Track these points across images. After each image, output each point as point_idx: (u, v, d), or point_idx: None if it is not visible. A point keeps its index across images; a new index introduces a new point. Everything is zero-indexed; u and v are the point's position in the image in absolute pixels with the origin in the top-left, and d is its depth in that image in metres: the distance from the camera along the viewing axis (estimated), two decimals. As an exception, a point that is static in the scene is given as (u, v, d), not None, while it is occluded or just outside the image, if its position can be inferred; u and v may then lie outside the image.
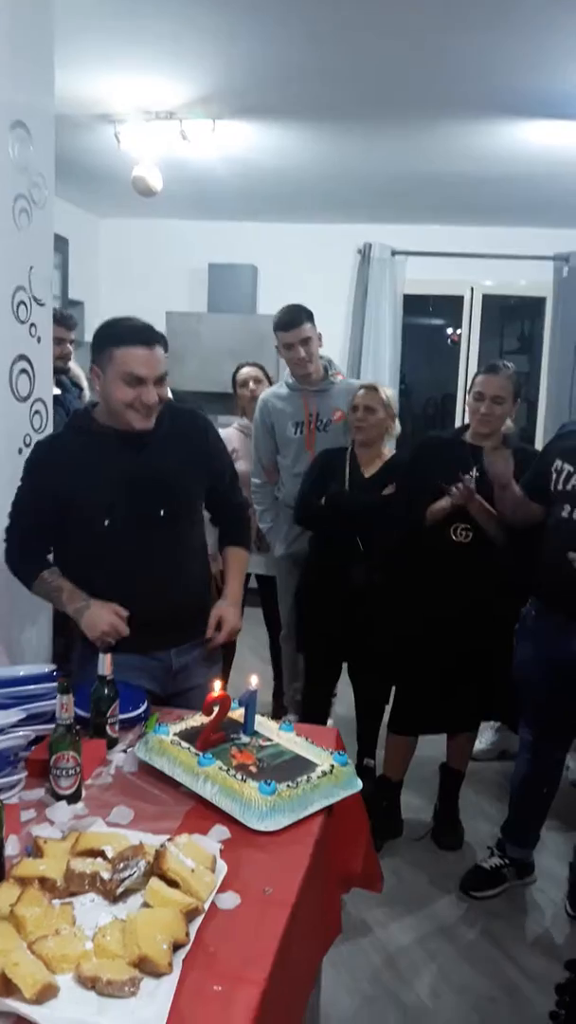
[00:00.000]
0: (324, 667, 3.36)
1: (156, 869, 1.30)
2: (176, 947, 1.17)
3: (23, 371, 2.61)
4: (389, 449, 3.30)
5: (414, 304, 6.70)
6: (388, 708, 3.17)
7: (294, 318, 3.44)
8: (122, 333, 2.01)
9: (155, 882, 1.27)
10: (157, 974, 1.13)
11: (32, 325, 2.65)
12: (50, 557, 2.23)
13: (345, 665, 3.35)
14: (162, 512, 2.11)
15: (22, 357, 2.60)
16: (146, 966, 1.13)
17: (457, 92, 3.68)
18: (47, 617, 2.90)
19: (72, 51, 3.27)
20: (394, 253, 6.45)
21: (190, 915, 1.23)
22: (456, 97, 3.73)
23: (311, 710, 3.42)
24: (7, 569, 2.25)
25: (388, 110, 3.99)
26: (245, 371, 3.94)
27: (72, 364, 3.79)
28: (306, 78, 3.65)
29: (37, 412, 2.73)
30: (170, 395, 3.83)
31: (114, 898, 1.29)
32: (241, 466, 3.61)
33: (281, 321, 3.48)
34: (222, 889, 1.34)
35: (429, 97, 3.77)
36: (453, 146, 4.41)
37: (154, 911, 1.22)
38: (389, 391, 3.22)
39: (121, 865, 1.31)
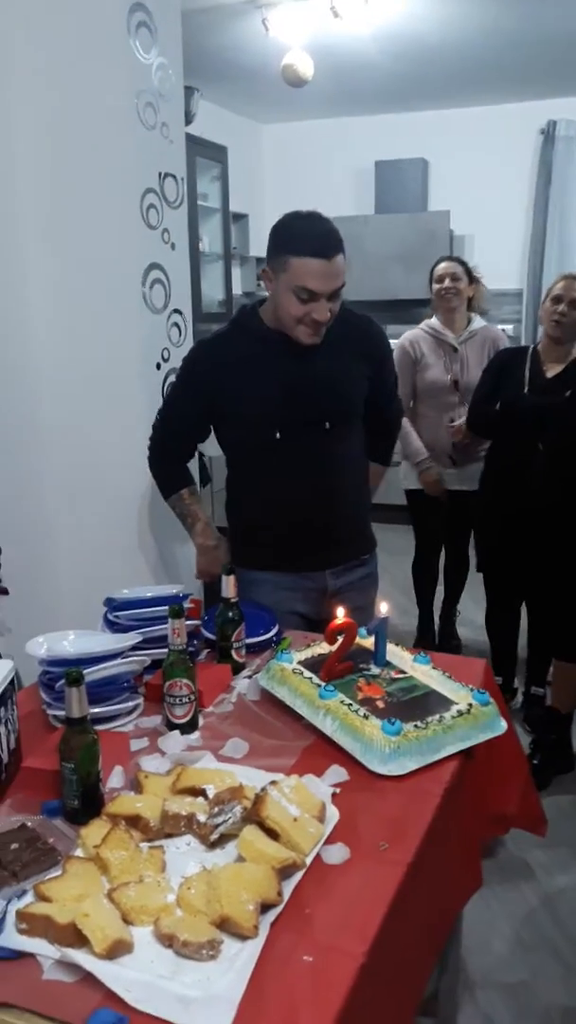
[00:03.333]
0: (506, 584, 3.16)
1: (253, 816, 1.17)
2: (268, 907, 1.04)
3: (157, 281, 2.49)
4: None
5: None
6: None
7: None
8: (299, 240, 1.81)
9: (250, 831, 1.14)
10: (241, 936, 1.00)
11: (165, 231, 2.51)
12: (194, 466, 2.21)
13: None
14: (328, 424, 1.98)
15: (155, 266, 2.47)
16: (228, 927, 1.01)
17: None
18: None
19: None
20: (583, 129, 5.76)
21: (286, 871, 1.10)
22: None
23: (496, 630, 3.27)
24: (158, 500, 2.21)
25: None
26: (443, 266, 3.46)
27: None
28: None
29: (175, 325, 2.61)
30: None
31: (211, 843, 1.18)
32: (432, 374, 3.35)
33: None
34: (330, 840, 1.19)
35: None
36: None
37: (242, 866, 1.09)
38: None
39: (216, 809, 1.19)
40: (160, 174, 2.45)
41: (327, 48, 4.34)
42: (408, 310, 6.32)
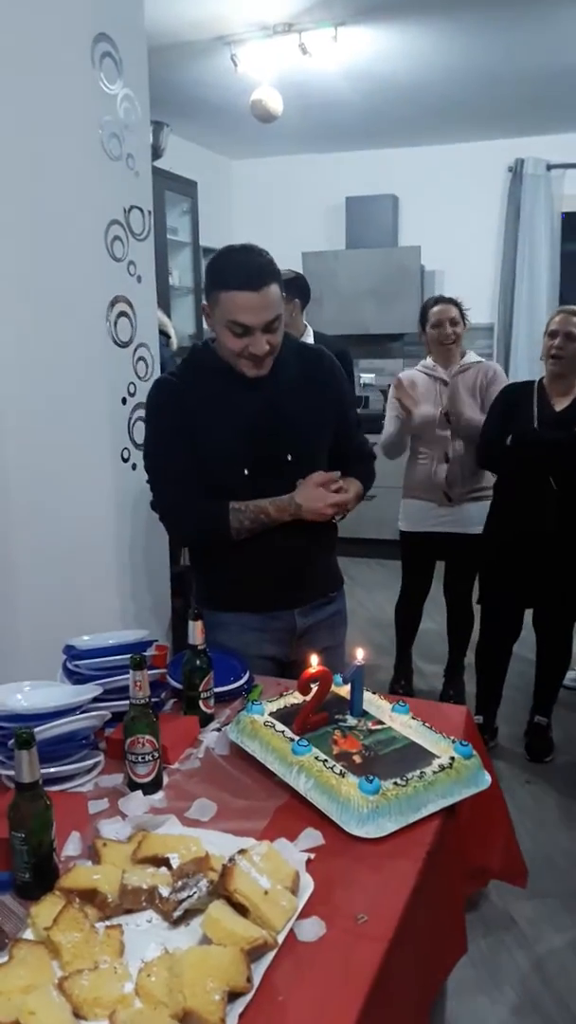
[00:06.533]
0: (505, 619, 3.15)
1: (220, 890, 1.07)
2: (235, 995, 0.94)
3: (122, 314, 2.42)
4: None
5: (574, 224, 6.04)
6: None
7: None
8: (228, 273, 1.75)
9: (216, 908, 1.04)
10: (207, 1032, 0.90)
11: (131, 263, 2.45)
12: None
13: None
14: (289, 457, 1.90)
15: (120, 298, 2.41)
16: (192, 1021, 0.91)
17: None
18: (165, 576, 2.76)
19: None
20: (550, 167, 5.84)
21: (256, 952, 1.00)
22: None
23: (487, 666, 3.25)
24: (123, 537, 2.09)
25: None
26: (438, 309, 3.34)
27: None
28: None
29: (141, 359, 2.54)
30: (310, 335, 3.61)
31: (174, 920, 1.08)
32: (423, 409, 3.29)
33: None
34: (305, 913, 1.10)
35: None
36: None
37: (208, 950, 0.99)
38: None
39: (180, 883, 1.09)
40: (125, 206, 2.39)
41: (297, 85, 4.35)
42: (381, 344, 6.35)
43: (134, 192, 2.43)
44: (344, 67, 4.23)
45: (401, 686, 3.66)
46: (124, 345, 2.45)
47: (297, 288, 3.58)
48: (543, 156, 5.79)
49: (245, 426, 1.87)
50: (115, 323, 2.40)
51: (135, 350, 2.50)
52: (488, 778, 1.42)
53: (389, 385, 3.54)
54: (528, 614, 3.17)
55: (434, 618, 3.75)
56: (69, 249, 2.21)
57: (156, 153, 4.30)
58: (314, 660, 1.50)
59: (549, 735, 3.21)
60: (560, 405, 2.89)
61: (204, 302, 1.85)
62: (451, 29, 3.82)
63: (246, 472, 1.88)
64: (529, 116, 5.32)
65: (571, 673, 3.51)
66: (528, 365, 5.85)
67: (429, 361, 3.41)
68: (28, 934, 1.06)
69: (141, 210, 2.47)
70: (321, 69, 4.20)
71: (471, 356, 3.39)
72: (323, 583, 2.08)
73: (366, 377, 6.31)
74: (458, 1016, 1.90)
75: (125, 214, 2.40)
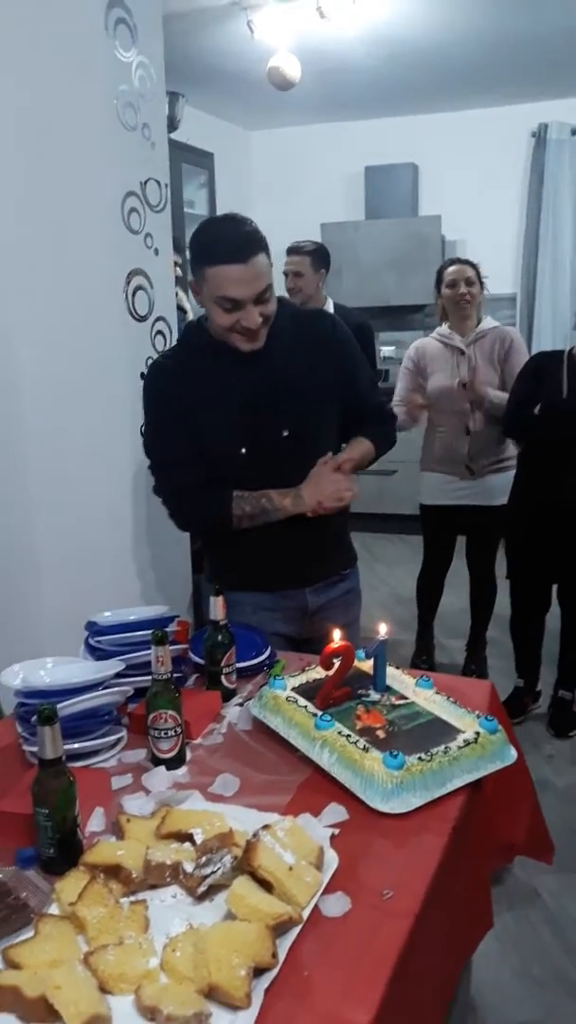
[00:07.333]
0: (534, 593, 3.13)
1: (245, 865, 1.06)
2: (260, 971, 0.94)
3: (140, 287, 2.40)
4: None
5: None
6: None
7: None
8: (212, 248, 1.68)
9: (241, 884, 1.04)
10: (233, 1007, 0.90)
11: (148, 235, 2.43)
12: None
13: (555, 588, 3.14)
14: (285, 433, 1.84)
15: (138, 272, 2.39)
16: (218, 996, 0.91)
17: None
18: (185, 551, 2.75)
19: None
20: (575, 132, 5.69)
21: (281, 927, 1.00)
22: None
23: (523, 637, 3.24)
24: (141, 511, 2.08)
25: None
26: (453, 269, 3.25)
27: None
28: None
29: (160, 332, 2.52)
30: (331, 307, 3.57)
31: (198, 896, 1.08)
32: (438, 379, 3.25)
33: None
34: (330, 889, 1.09)
35: None
36: None
37: (233, 925, 0.98)
38: None
39: (203, 859, 1.08)
40: (142, 178, 2.36)
41: (314, 52, 4.27)
42: (402, 316, 6.27)
43: (150, 163, 2.40)
44: (362, 31, 4.14)
45: (423, 660, 3.65)
46: (142, 319, 2.43)
47: (321, 258, 3.55)
48: (568, 120, 5.66)
49: (241, 404, 1.82)
50: (132, 296, 2.37)
51: (153, 324, 2.49)
52: (514, 753, 1.41)
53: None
54: (554, 589, 3.15)
55: (456, 592, 3.72)
56: (85, 221, 2.19)
57: (172, 125, 4.24)
58: (336, 635, 1.48)
59: (573, 710, 3.19)
60: None
61: (191, 279, 1.77)
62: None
63: (243, 451, 1.82)
64: (553, 79, 5.18)
65: None
66: (552, 334, 5.76)
67: (444, 328, 3.34)
68: (53, 909, 1.06)
69: (158, 182, 2.43)
70: (339, 34, 4.11)
71: (488, 322, 3.32)
72: (335, 561, 2.03)
73: (386, 350, 6.24)
74: (483, 989, 1.90)
75: (141, 186, 2.37)
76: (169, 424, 1.87)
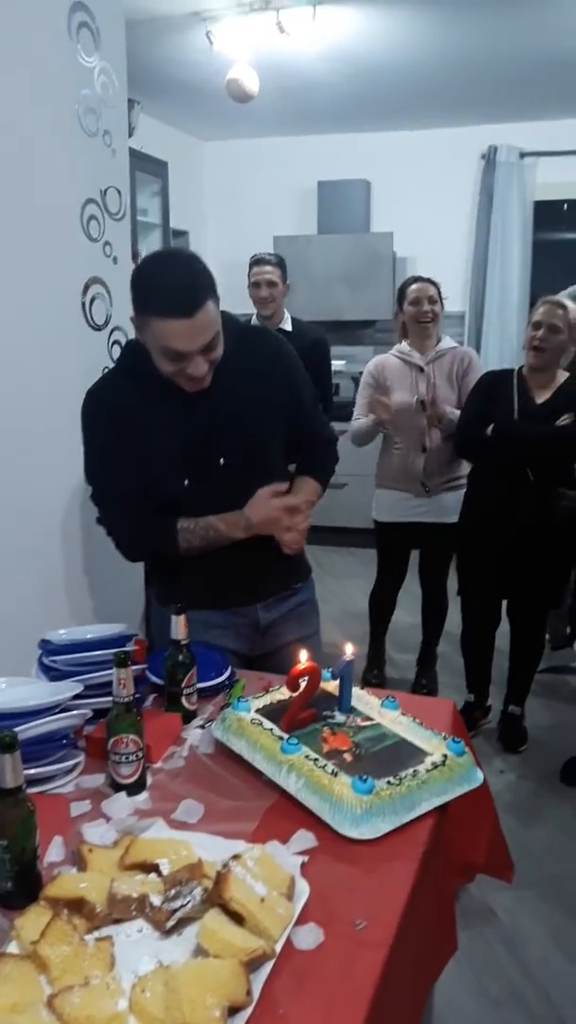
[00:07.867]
0: (484, 609, 3.17)
1: (215, 898, 1.03)
2: (234, 1010, 0.91)
3: (97, 296, 2.35)
4: (561, 373, 2.93)
5: (547, 213, 6.03)
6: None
7: None
8: (157, 298, 1.58)
9: (212, 918, 1.00)
10: (206, 1050, 0.87)
11: (107, 244, 2.38)
12: None
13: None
14: (222, 461, 1.78)
15: (96, 280, 2.34)
16: (191, 1039, 0.87)
17: None
18: (138, 567, 2.70)
19: None
20: (523, 155, 5.82)
21: (255, 962, 0.96)
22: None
23: (473, 652, 3.27)
24: (93, 524, 2.01)
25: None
26: (416, 287, 3.26)
27: None
28: None
29: (116, 342, 2.47)
30: (288, 322, 3.58)
31: (166, 930, 1.04)
32: (397, 397, 3.25)
33: None
34: (301, 920, 1.06)
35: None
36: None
37: (205, 963, 0.95)
38: (575, 309, 2.82)
39: (172, 892, 1.05)
40: (102, 186, 2.32)
41: (273, 66, 4.27)
42: (353, 331, 6.30)
43: (111, 170, 2.36)
44: (322, 47, 4.16)
45: (374, 675, 3.65)
46: (99, 328, 2.38)
47: (285, 270, 3.57)
48: (517, 144, 5.77)
49: (184, 437, 1.75)
50: (90, 305, 2.33)
51: (110, 333, 2.44)
52: (481, 776, 1.40)
53: (360, 372, 3.50)
54: (503, 605, 3.18)
55: (406, 607, 3.74)
56: (44, 228, 2.14)
57: (127, 131, 4.19)
58: (303, 656, 1.46)
59: (523, 725, 3.22)
60: (541, 397, 2.88)
61: (132, 314, 1.66)
62: (430, 11, 3.77)
63: (186, 483, 1.77)
64: (504, 103, 5.29)
65: None
66: (499, 353, 5.85)
67: (404, 346, 3.36)
68: (12, 947, 1.01)
69: (118, 190, 2.39)
70: (298, 49, 4.12)
71: (447, 341, 3.35)
72: (286, 576, 1.99)
73: (337, 364, 6.24)
74: (441, 1011, 1.89)
75: (101, 193, 2.32)
76: (108, 454, 1.79)
